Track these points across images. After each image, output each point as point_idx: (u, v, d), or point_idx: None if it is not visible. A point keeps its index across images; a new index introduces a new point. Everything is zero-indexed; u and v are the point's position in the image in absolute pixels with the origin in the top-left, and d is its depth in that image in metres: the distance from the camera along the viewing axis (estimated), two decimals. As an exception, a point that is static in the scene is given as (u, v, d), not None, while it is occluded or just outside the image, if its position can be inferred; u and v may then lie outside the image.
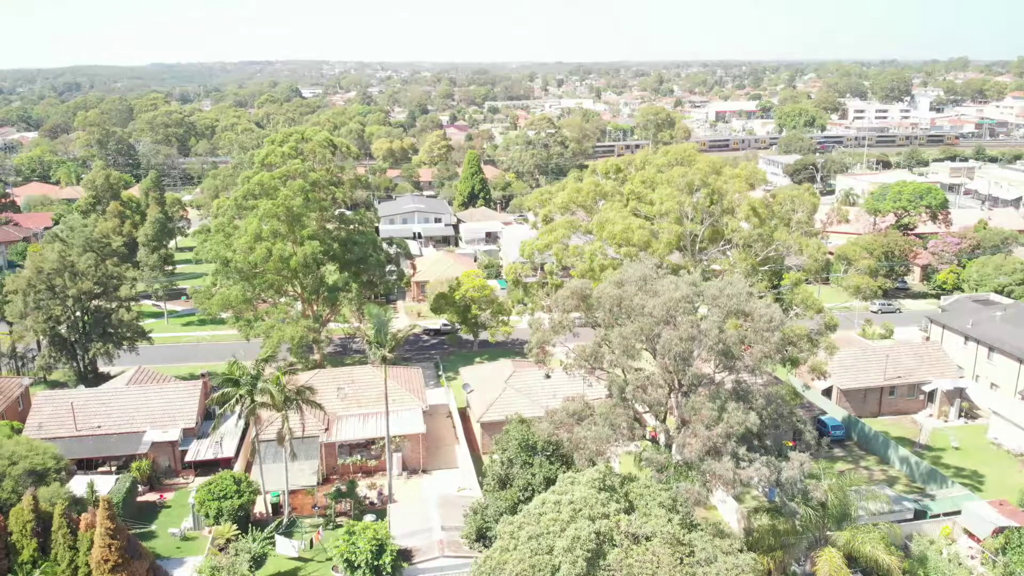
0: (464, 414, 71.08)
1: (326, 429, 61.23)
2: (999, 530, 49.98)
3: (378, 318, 56.77)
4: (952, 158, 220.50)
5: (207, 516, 51.91)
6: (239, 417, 53.88)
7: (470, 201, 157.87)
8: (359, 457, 61.82)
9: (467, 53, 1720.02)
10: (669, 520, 34.77)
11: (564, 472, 41.36)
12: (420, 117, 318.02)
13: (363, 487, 58.87)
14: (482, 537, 46.54)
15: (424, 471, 61.95)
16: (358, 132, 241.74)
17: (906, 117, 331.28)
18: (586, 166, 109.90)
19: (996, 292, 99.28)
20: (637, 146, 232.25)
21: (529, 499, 42.57)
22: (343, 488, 56.41)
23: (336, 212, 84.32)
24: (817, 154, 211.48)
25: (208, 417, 65.57)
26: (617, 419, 44.81)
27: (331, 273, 79.68)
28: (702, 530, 35.86)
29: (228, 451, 60.90)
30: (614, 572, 32.70)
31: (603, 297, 45.77)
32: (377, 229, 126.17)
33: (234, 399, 52.24)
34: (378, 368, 60.12)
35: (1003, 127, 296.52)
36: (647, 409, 48.00)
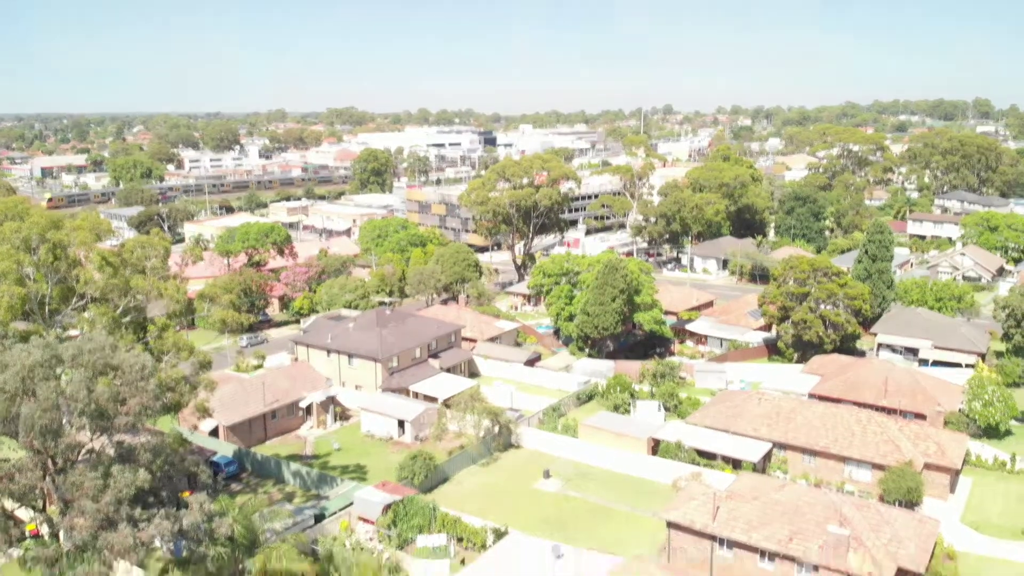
0: None
1: None
2: (387, 507, 57.65)
3: None
4: (287, 198, 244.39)
5: None
6: None
7: None
8: None
9: None
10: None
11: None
12: None
13: None
14: None
15: None
16: None
17: (239, 164, 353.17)
18: None
19: (346, 307, 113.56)
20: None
21: None
22: None
23: None
24: (160, 204, 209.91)
25: None
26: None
27: None
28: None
29: None
30: None
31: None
32: None
33: None
34: None
35: (325, 168, 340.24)
36: (19, 504, 40.71)
